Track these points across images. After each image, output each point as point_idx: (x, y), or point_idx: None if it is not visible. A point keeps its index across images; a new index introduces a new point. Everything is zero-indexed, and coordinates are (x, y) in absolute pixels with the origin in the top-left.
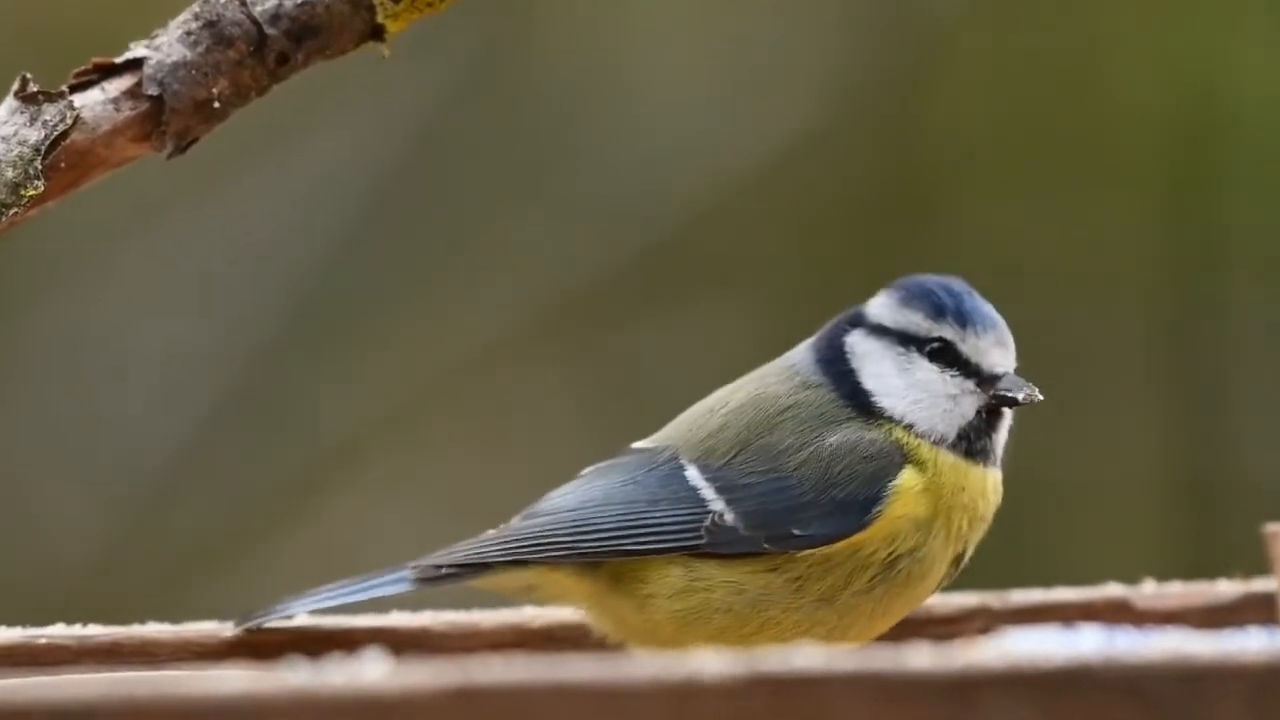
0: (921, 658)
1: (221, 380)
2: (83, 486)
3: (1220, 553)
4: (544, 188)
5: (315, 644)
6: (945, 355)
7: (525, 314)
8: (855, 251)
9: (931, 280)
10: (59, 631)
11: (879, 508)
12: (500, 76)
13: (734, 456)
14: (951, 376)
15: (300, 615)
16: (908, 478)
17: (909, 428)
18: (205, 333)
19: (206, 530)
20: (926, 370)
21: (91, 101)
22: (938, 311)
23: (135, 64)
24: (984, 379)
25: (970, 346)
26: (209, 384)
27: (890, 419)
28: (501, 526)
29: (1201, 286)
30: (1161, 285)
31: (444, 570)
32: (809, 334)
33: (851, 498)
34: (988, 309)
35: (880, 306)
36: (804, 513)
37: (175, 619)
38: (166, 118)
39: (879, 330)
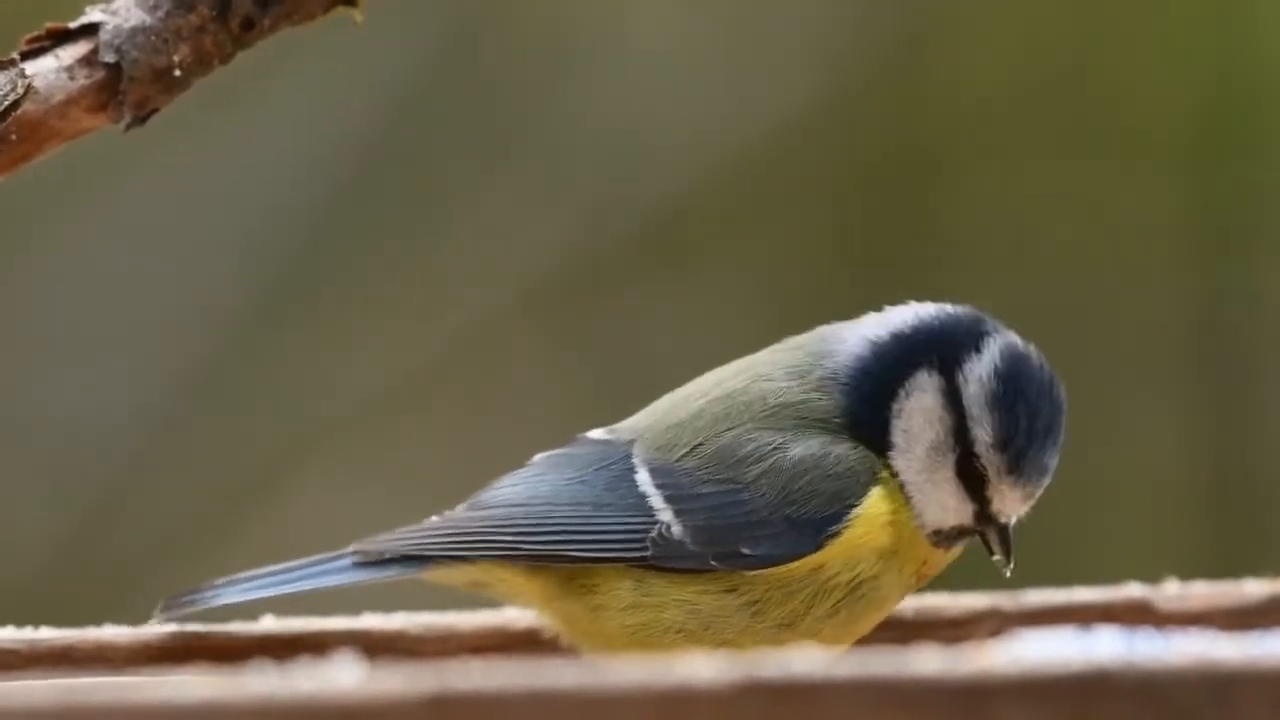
0: (928, 662)
1: (182, 363)
2: (31, 476)
3: (1248, 550)
4: (528, 161)
5: (283, 647)
6: (972, 475)
7: (508, 293)
8: (858, 226)
9: (1035, 382)
10: (7, 635)
11: (837, 527)
12: (483, 42)
13: (688, 455)
14: (962, 491)
15: (232, 601)
16: (875, 502)
17: (900, 486)
18: (163, 312)
19: (166, 525)
20: (949, 475)
21: (44, 70)
22: (1007, 438)
23: (91, 29)
24: (985, 516)
25: (998, 490)
26: (167, 366)
27: (889, 468)
28: (446, 514)
29: (1228, 265)
30: (1184, 264)
31: (387, 558)
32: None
33: (808, 516)
34: (1051, 455)
35: (975, 380)
36: (756, 530)
37: (132, 620)
38: (124, 87)
39: (951, 396)
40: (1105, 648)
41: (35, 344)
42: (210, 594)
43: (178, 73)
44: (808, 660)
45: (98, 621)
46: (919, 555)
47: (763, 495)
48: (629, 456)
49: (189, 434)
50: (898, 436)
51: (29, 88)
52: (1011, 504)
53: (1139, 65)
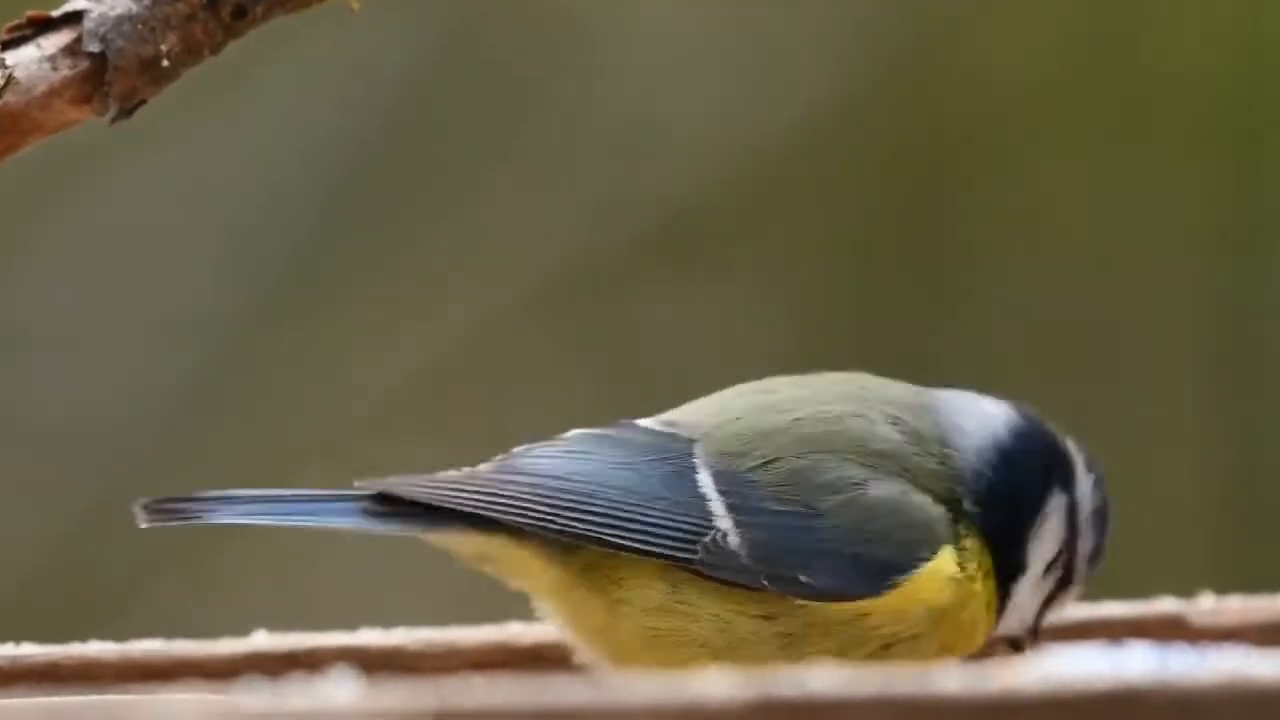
0: (951, 680)
1: (175, 369)
2: (15, 487)
3: None
4: (534, 157)
5: (276, 663)
6: (1053, 576)
7: (512, 293)
8: (873, 225)
9: (1109, 496)
10: None
11: (901, 578)
12: (487, 35)
13: (762, 466)
14: (1042, 596)
15: (225, 522)
16: (944, 561)
17: (988, 572)
18: (156, 316)
19: (156, 539)
20: (1049, 589)
21: (25, 60)
22: (1098, 551)
23: (74, 18)
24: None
25: (1066, 598)
26: (160, 372)
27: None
28: (466, 470)
29: (1258, 262)
30: (1213, 260)
31: (399, 510)
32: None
33: (876, 558)
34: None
35: (1085, 497)
36: (819, 560)
37: (120, 637)
38: (109, 78)
39: (1069, 514)
40: (1136, 664)
41: (22, 350)
42: (202, 508)
43: (166, 63)
44: (826, 678)
45: (83, 638)
46: (967, 633)
47: (835, 527)
48: (690, 454)
49: (182, 441)
50: (1031, 554)
51: (9, 78)
52: (1066, 607)
53: (1163, 55)
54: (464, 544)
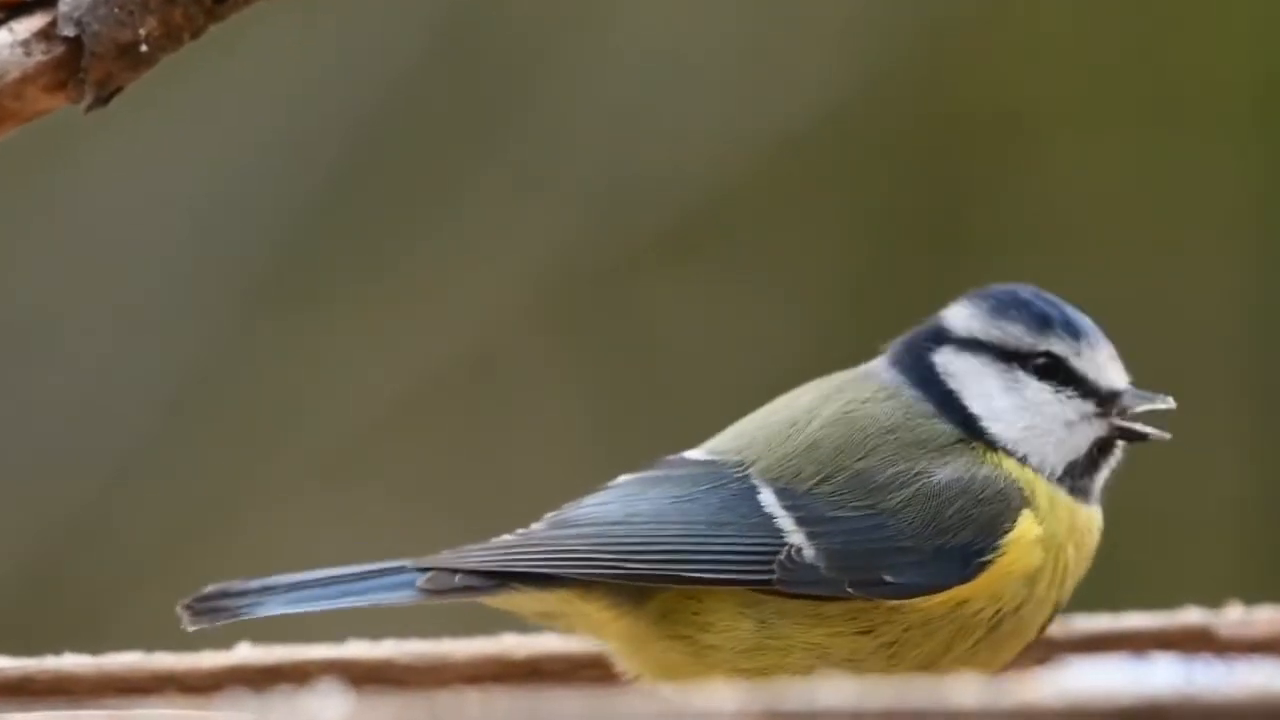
0: (967, 694)
1: (156, 377)
2: None
3: None
4: (533, 151)
5: (261, 676)
6: (1056, 373)
7: (517, 288)
8: (894, 211)
9: (1020, 289)
10: None
11: (989, 557)
12: (483, 21)
13: (820, 483)
14: (1068, 398)
15: (274, 613)
16: (1025, 525)
17: (1022, 459)
18: (141, 321)
19: (137, 548)
20: (1037, 390)
21: None
22: (1042, 322)
23: (49, 1)
24: (1104, 398)
25: (1086, 361)
26: (140, 381)
27: (1001, 448)
28: (520, 532)
29: None
30: (1247, 247)
31: (458, 580)
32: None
33: (959, 545)
34: (1076, 311)
35: (967, 318)
36: (900, 557)
37: (95, 649)
38: (85, 63)
39: (972, 345)
40: (1161, 678)
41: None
42: (246, 602)
43: (144, 48)
44: (837, 691)
45: (57, 651)
46: (1075, 547)
47: (909, 523)
48: (747, 477)
49: (165, 450)
50: (975, 405)
51: None
52: (1109, 369)
53: (1198, 39)
54: (528, 604)
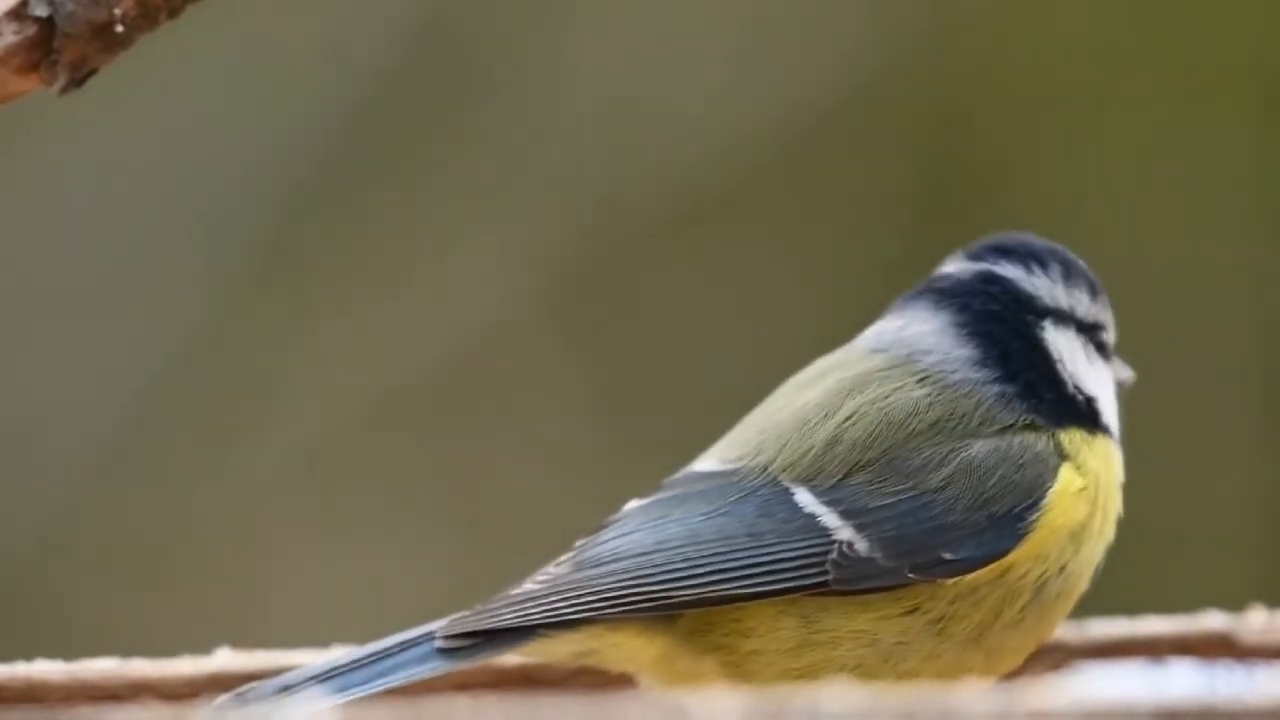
0: (978, 701)
1: (134, 377)
2: None
3: None
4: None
5: (240, 683)
6: (1105, 349)
7: (509, 293)
8: (900, 214)
9: (1059, 249)
10: None
11: (1034, 516)
12: (482, 21)
13: (850, 474)
14: (1104, 363)
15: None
16: (1067, 478)
17: (1106, 431)
18: (121, 318)
19: (109, 547)
20: (1100, 364)
21: None
22: (1093, 290)
23: None
24: (1108, 356)
25: (1111, 331)
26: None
27: (1104, 428)
28: (542, 579)
29: None
30: (1262, 250)
31: (478, 637)
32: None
33: (1006, 511)
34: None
35: (1047, 286)
36: (954, 533)
37: (68, 654)
38: (58, 44)
39: (1062, 319)
40: (1179, 685)
41: None
42: (278, 685)
43: (120, 28)
44: (842, 698)
45: (28, 656)
46: (1112, 484)
47: (955, 500)
48: (775, 480)
49: (140, 450)
50: (1084, 383)
51: None
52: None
53: (1219, 19)
54: (558, 648)
